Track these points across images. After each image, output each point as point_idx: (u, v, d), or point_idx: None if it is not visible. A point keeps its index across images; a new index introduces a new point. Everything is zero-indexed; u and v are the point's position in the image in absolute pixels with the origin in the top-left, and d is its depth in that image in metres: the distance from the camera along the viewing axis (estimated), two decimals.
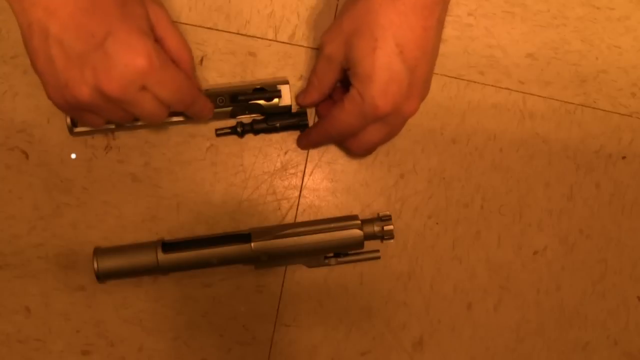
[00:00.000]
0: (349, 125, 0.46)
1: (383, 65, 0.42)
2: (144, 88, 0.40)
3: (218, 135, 0.51)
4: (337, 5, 0.52)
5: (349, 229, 0.48)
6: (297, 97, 0.51)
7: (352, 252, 0.50)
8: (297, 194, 0.52)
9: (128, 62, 0.39)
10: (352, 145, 0.49)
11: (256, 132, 0.51)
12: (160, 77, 0.40)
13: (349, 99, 0.44)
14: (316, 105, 0.51)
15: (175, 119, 0.49)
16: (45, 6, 0.38)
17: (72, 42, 0.38)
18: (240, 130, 0.50)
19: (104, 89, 0.39)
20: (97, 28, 0.38)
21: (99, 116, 0.43)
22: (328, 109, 0.49)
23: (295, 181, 0.52)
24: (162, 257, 0.46)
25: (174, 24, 0.45)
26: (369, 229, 0.49)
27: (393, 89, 0.43)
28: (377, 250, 0.51)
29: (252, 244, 0.47)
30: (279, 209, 0.52)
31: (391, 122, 0.46)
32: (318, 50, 0.48)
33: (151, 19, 0.43)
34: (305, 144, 0.52)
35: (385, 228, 0.49)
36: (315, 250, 0.48)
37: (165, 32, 0.44)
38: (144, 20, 0.41)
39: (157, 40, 0.44)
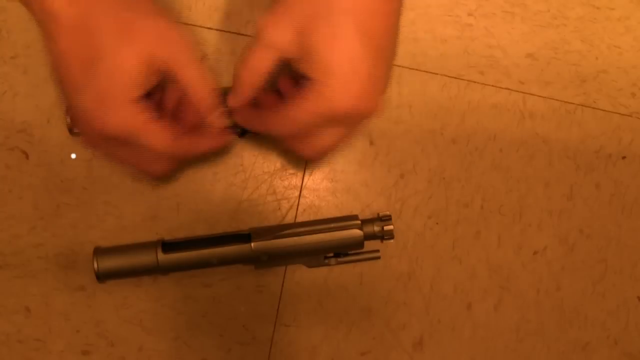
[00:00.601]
0: (300, 124, 0.39)
1: (345, 56, 0.36)
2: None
3: None
4: None
5: (349, 229, 0.48)
6: (228, 100, 0.43)
7: (352, 252, 0.50)
8: (297, 194, 0.52)
9: (87, 128, 0.39)
10: (302, 149, 0.42)
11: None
12: (129, 146, 0.39)
13: (303, 95, 0.38)
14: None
15: None
16: (49, 29, 0.36)
17: (61, 75, 0.37)
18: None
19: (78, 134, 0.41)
20: (80, 75, 0.36)
21: None
22: (272, 102, 0.42)
23: (295, 181, 0.52)
24: (162, 257, 0.46)
25: (195, 59, 0.40)
26: (369, 229, 0.49)
27: (355, 84, 0.37)
28: (377, 250, 0.51)
29: (252, 244, 0.47)
30: (279, 209, 0.52)
31: (349, 123, 0.40)
32: (252, 38, 0.40)
33: (159, 56, 0.38)
34: (237, 117, 0.45)
35: (385, 228, 0.49)
36: (315, 250, 0.48)
37: (178, 72, 0.39)
38: (136, 68, 0.37)
39: (171, 76, 0.39)
